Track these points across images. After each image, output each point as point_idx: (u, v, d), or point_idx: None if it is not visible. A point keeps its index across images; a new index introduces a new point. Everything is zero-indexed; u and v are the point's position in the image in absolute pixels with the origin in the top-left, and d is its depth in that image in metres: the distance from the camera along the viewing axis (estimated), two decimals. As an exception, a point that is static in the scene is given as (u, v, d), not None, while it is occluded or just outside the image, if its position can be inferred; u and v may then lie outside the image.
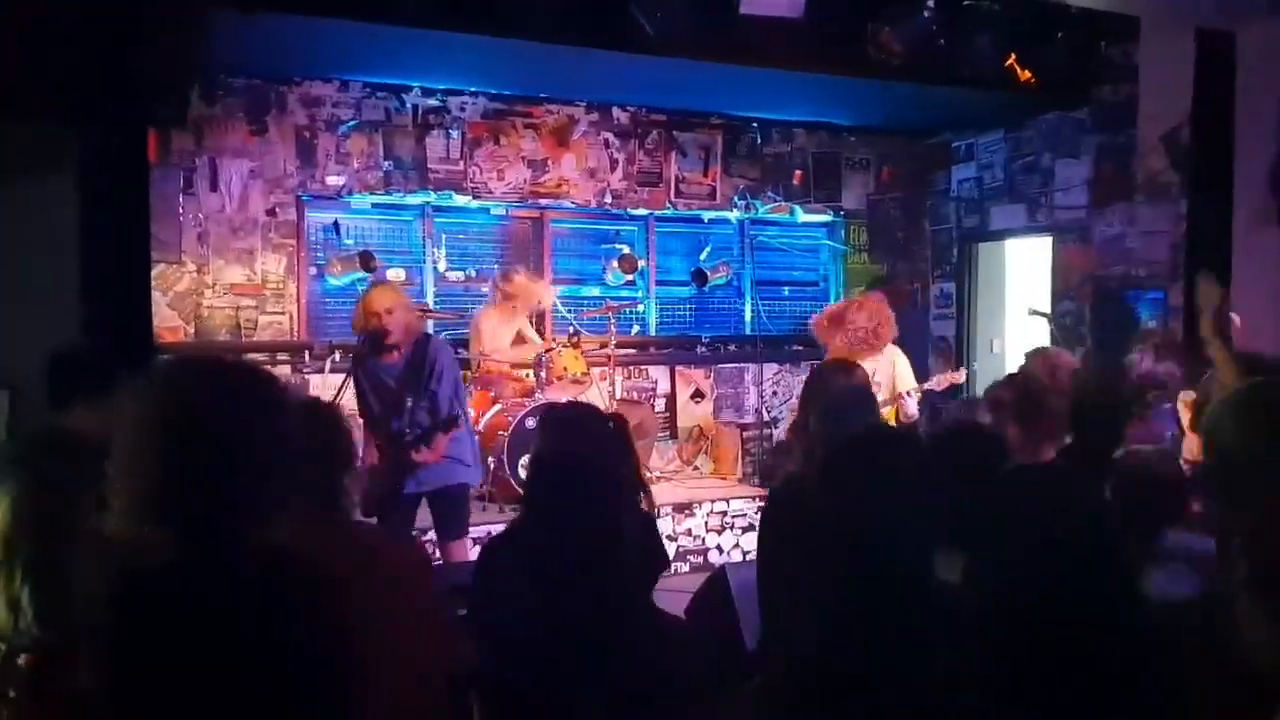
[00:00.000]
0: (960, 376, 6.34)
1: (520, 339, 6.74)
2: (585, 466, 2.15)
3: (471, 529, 5.15)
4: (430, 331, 5.31)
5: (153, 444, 1.64)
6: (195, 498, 1.64)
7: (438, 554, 4.82)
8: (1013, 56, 6.22)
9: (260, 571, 1.67)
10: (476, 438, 6.10)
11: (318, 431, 2.30)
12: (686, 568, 6.25)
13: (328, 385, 5.74)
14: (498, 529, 5.95)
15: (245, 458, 1.66)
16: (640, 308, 7.77)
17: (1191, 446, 3.68)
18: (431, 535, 4.95)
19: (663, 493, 6.49)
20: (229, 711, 1.60)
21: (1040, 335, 6.84)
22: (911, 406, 5.69)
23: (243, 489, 1.66)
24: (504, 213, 7.35)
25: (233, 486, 1.66)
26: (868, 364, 5.24)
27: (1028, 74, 6.25)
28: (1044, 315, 6.84)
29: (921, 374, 6.17)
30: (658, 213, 7.75)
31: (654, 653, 1.99)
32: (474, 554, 5.19)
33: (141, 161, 3.94)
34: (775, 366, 8.12)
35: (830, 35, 5.74)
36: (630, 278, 7.60)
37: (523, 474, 6.00)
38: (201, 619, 1.61)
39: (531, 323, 7.00)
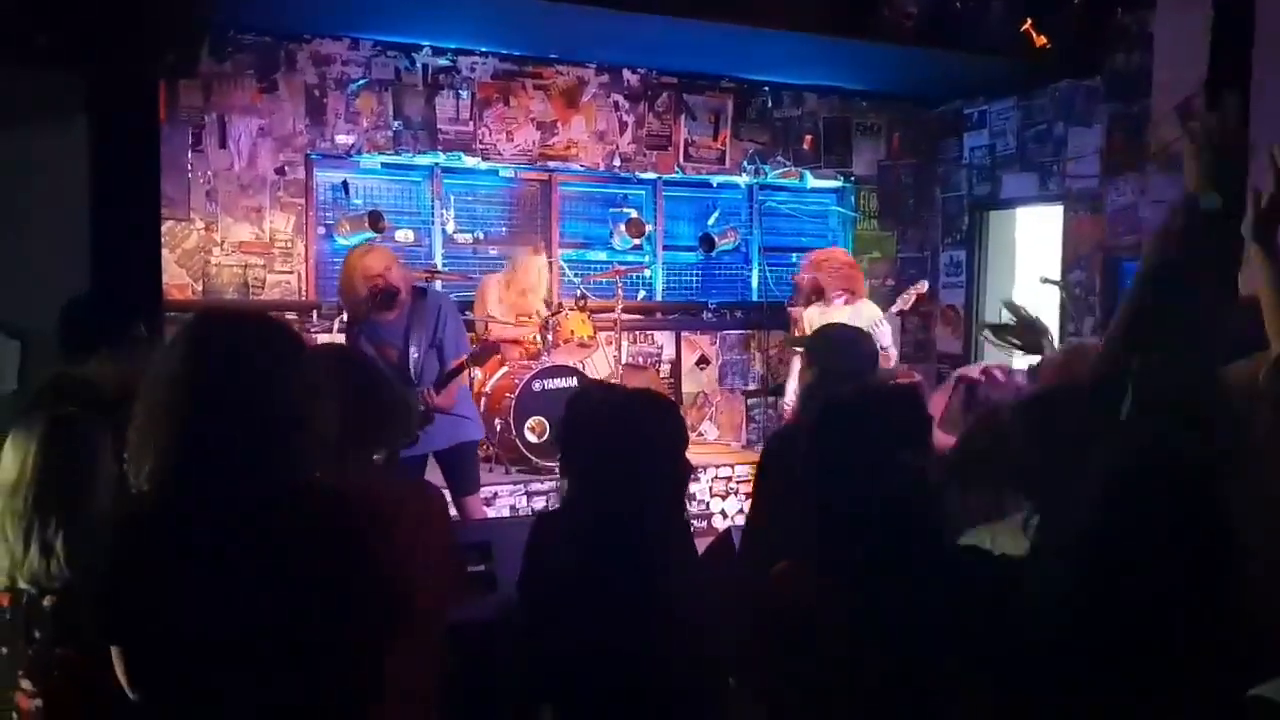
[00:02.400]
0: (923, 287, 6.49)
1: (524, 310, 6.71)
2: (662, 460, 2.12)
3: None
4: (421, 284, 5.33)
5: (184, 394, 1.67)
6: (228, 446, 1.66)
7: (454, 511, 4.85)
8: (1028, 22, 6.17)
9: (295, 513, 1.70)
10: (483, 398, 6.16)
11: (349, 376, 2.35)
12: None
13: (336, 344, 5.74)
14: (503, 489, 6.02)
15: (274, 407, 1.69)
16: (647, 272, 7.75)
17: None
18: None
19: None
20: (253, 653, 1.63)
21: (1051, 304, 6.84)
22: (886, 338, 5.84)
23: (274, 437, 1.69)
24: (512, 175, 7.32)
25: (262, 435, 1.68)
26: (846, 317, 5.44)
27: (1042, 40, 6.20)
28: (1055, 284, 6.84)
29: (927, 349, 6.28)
30: (666, 177, 7.72)
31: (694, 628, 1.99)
32: (483, 512, 5.26)
33: (152, 112, 3.92)
34: (781, 333, 8.11)
35: (845, -2, 5.70)
36: (637, 242, 7.58)
37: (529, 436, 6.03)
38: (234, 560, 1.64)
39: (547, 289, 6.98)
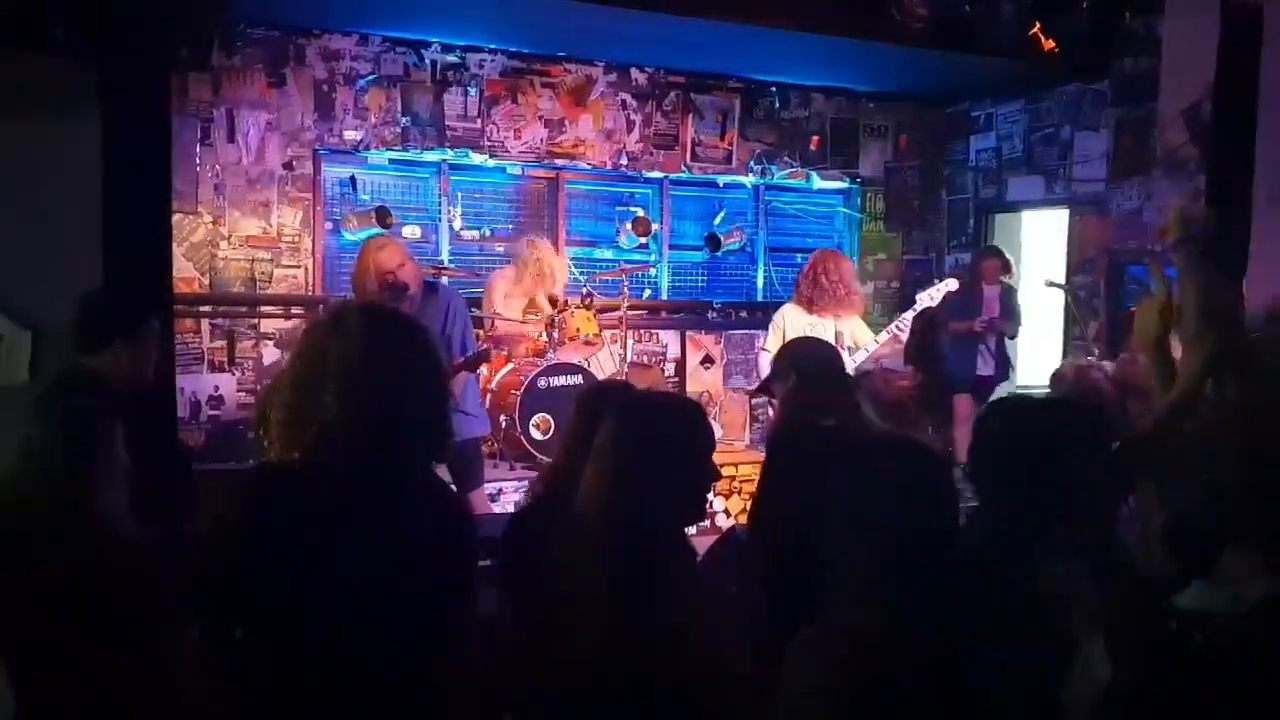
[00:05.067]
0: (953, 284, 6.42)
1: (533, 306, 6.72)
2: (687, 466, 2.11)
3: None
4: (431, 280, 5.33)
5: (336, 379, 1.76)
6: (371, 429, 1.77)
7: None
8: (1037, 25, 6.18)
9: (422, 500, 1.84)
10: (489, 395, 6.17)
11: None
12: (693, 530, 6.26)
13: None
14: (508, 485, 6.03)
15: (420, 395, 1.84)
16: (653, 271, 7.76)
17: None
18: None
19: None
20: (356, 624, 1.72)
21: (1056, 307, 6.85)
22: (905, 332, 6.01)
23: (416, 425, 1.83)
24: (520, 172, 7.33)
25: (409, 422, 1.81)
26: (826, 323, 5.50)
27: (1051, 43, 6.21)
28: (1061, 287, 6.86)
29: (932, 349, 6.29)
30: (673, 176, 7.73)
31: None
32: (488, 507, 5.27)
33: (164, 105, 3.93)
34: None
35: (855, -2, 5.71)
36: (644, 241, 7.59)
37: (534, 433, 6.03)
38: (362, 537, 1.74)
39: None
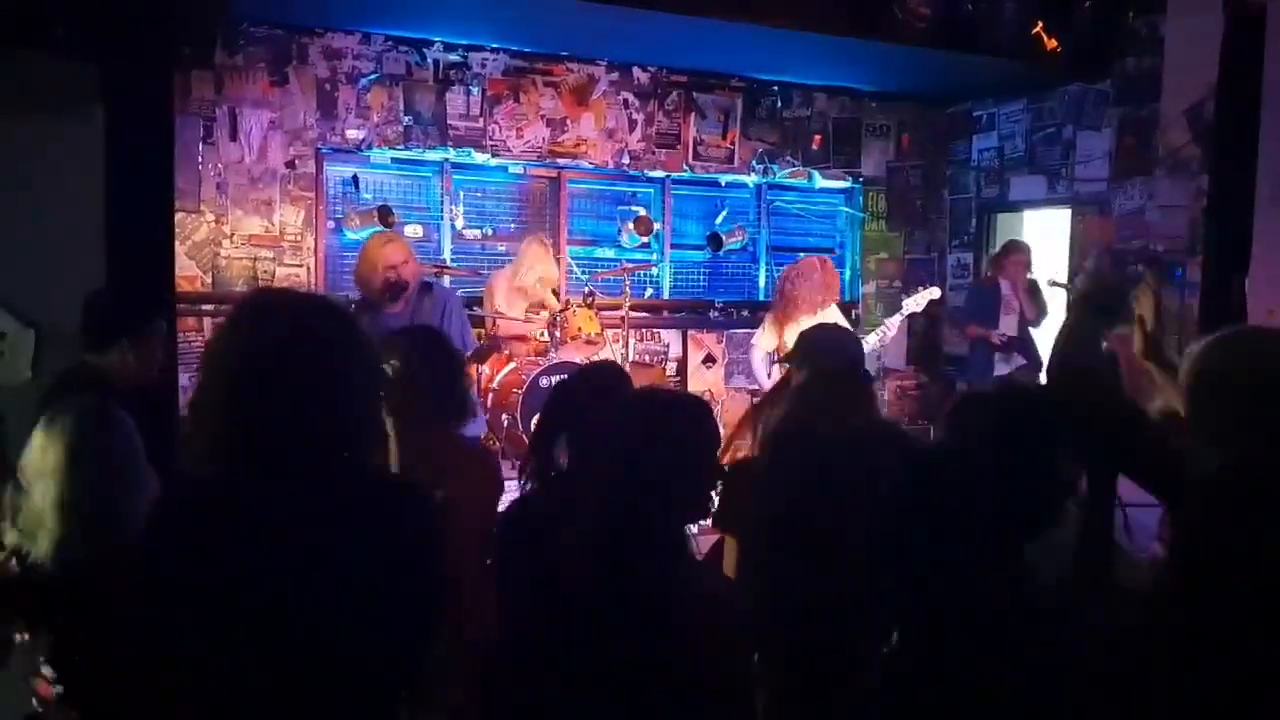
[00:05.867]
0: (936, 292, 6.58)
1: (535, 305, 6.71)
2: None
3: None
4: (428, 279, 5.33)
5: (235, 380, 1.63)
6: (280, 431, 1.61)
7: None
8: (1039, 25, 6.18)
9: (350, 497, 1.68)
10: (490, 394, 6.17)
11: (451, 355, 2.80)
12: (694, 528, 6.27)
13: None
14: (510, 484, 6.01)
15: (326, 389, 1.64)
16: (654, 270, 7.76)
17: None
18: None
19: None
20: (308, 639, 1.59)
21: (1058, 307, 6.84)
22: (893, 332, 6.33)
23: (330, 418, 1.65)
24: (522, 171, 7.33)
25: (318, 415, 1.63)
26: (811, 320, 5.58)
27: (1053, 43, 6.21)
28: (1063, 286, 6.84)
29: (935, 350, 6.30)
30: (675, 175, 7.73)
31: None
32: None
33: (168, 103, 3.94)
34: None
35: (857, -2, 5.71)
36: (645, 240, 7.59)
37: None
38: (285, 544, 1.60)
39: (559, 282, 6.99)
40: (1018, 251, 7.17)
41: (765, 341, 6.03)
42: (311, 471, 1.62)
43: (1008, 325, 6.97)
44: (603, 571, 1.88)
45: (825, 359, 3.01)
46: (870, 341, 6.07)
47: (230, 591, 1.57)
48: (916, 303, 6.42)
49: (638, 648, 1.82)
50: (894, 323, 6.32)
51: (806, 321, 5.68)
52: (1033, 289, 7.11)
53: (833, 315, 5.96)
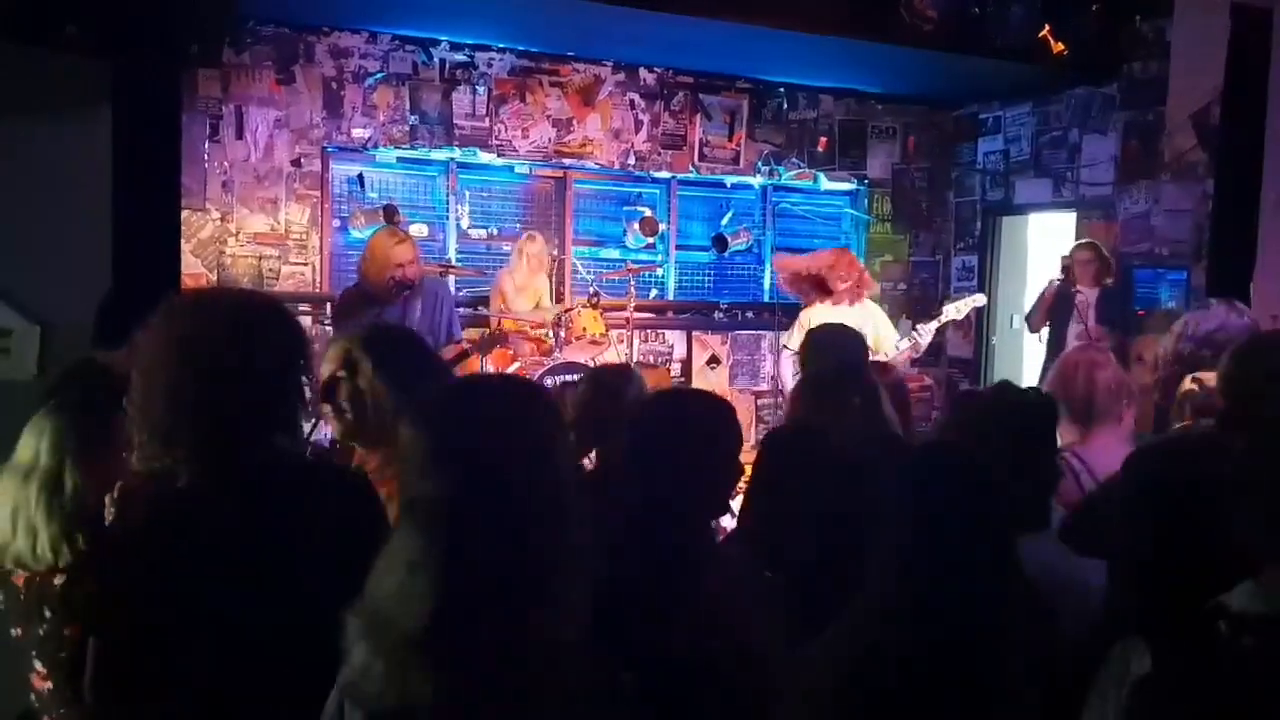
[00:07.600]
0: (982, 299, 6.18)
1: (538, 304, 6.73)
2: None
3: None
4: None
5: (164, 374, 1.68)
6: (207, 422, 1.66)
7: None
8: (1046, 28, 6.17)
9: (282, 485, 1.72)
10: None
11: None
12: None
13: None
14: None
15: (251, 382, 1.70)
16: (660, 271, 7.77)
17: None
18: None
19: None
20: (253, 624, 1.62)
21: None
22: (926, 340, 5.78)
23: (248, 410, 1.70)
24: (527, 171, 7.34)
25: (240, 408, 1.69)
26: (853, 320, 5.29)
27: (1060, 46, 6.20)
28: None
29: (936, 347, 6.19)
30: (680, 176, 7.74)
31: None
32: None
33: (175, 102, 3.94)
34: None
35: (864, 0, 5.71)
36: (651, 241, 7.59)
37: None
38: (226, 536, 1.64)
39: (550, 289, 6.99)
40: (1084, 250, 6.49)
41: (795, 341, 5.80)
42: (257, 457, 1.69)
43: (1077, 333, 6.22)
44: (633, 570, 1.88)
45: (824, 357, 3.02)
46: (902, 347, 5.71)
47: (209, 574, 1.61)
48: (958, 309, 5.92)
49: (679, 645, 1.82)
50: (929, 329, 5.80)
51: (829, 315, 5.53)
52: (1105, 300, 6.43)
53: (869, 313, 5.79)
